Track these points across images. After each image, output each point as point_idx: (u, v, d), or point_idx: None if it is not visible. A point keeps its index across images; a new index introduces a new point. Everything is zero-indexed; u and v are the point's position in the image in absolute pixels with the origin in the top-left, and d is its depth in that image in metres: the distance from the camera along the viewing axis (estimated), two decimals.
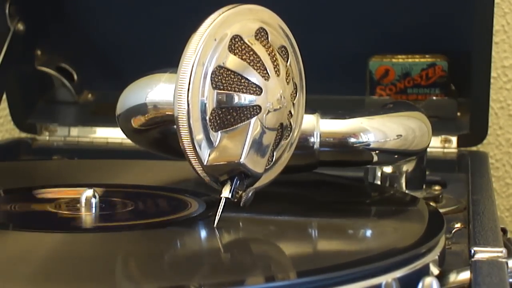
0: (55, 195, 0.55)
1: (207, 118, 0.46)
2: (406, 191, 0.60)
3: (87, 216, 0.51)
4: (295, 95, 0.50)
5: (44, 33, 0.82)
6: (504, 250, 0.47)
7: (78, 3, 0.81)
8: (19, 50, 0.79)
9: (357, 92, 0.77)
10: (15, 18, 0.78)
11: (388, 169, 0.61)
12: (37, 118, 0.82)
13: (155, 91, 0.51)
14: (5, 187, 0.58)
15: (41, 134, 0.82)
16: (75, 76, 0.83)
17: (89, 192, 0.52)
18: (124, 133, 0.55)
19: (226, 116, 0.47)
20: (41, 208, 0.52)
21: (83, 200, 0.52)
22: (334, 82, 0.77)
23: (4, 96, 0.80)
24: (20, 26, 0.78)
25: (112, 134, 0.79)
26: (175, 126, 0.46)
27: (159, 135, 0.52)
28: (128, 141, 0.56)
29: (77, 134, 0.81)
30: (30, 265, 0.42)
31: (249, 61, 0.47)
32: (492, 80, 0.77)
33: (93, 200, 0.52)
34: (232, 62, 0.47)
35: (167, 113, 0.50)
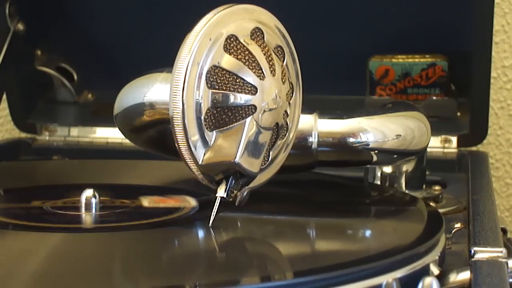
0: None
1: (202, 117, 0.46)
2: (406, 191, 0.60)
3: (87, 216, 0.51)
4: (291, 95, 0.50)
5: (44, 33, 0.82)
6: (504, 250, 0.46)
7: (78, 3, 0.81)
8: (19, 50, 0.79)
9: (357, 92, 0.77)
10: (15, 18, 0.78)
11: (388, 169, 0.61)
12: (37, 118, 0.82)
13: (152, 90, 0.51)
14: (5, 187, 0.58)
15: (41, 134, 0.82)
16: (75, 76, 0.83)
17: (89, 192, 0.52)
18: (122, 132, 0.55)
19: (221, 116, 0.47)
20: (41, 208, 0.52)
21: (83, 200, 0.52)
22: (334, 82, 0.77)
23: (4, 96, 0.80)
24: (20, 26, 0.79)
25: (112, 134, 0.79)
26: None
27: (156, 134, 0.52)
28: (128, 141, 0.56)
29: (77, 134, 0.81)
30: (30, 265, 0.42)
31: (244, 60, 0.47)
32: (492, 80, 0.77)
33: (93, 200, 0.52)
34: (227, 61, 0.47)
35: (163, 112, 0.50)
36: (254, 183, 0.49)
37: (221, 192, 0.48)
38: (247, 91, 0.47)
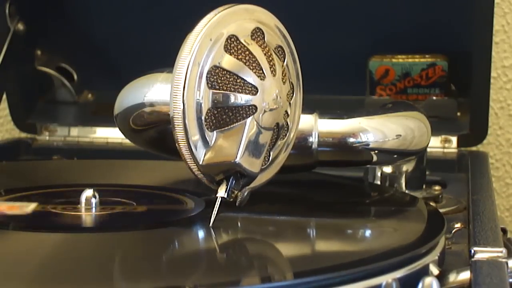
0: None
1: (203, 118, 0.46)
2: (406, 191, 0.60)
3: (87, 216, 0.51)
4: (291, 95, 0.50)
5: (44, 33, 0.82)
6: (504, 250, 0.46)
7: (78, 3, 0.81)
8: (19, 50, 0.79)
9: (357, 92, 0.77)
10: (15, 18, 0.78)
11: (388, 169, 0.61)
12: (37, 118, 0.82)
13: (152, 91, 0.51)
14: (5, 187, 0.58)
15: (41, 134, 0.82)
16: (75, 76, 0.83)
17: (89, 192, 0.52)
18: (122, 132, 0.55)
19: (222, 116, 0.47)
20: (41, 208, 0.52)
21: (83, 200, 0.52)
22: (334, 82, 0.77)
23: (4, 96, 0.80)
24: (20, 26, 0.79)
25: (112, 134, 0.79)
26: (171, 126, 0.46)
27: (156, 134, 0.53)
28: (128, 141, 0.56)
29: (77, 134, 0.81)
30: (30, 265, 0.42)
31: (245, 61, 0.47)
32: (492, 80, 0.77)
33: (93, 200, 0.52)
34: (228, 62, 0.47)
35: (164, 112, 0.50)
36: (255, 183, 0.49)
37: (221, 192, 0.48)
38: (247, 91, 0.47)
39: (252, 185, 0.49)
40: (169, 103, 0.46)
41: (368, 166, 0.62)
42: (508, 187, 0.86)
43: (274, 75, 0.48)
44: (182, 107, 0.46)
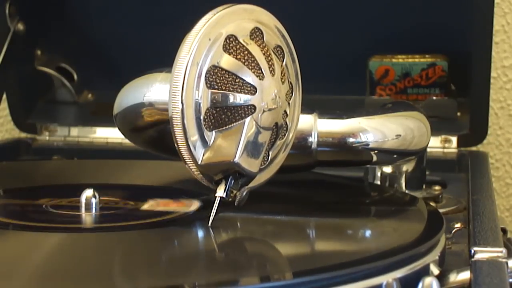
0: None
1: (202, 117, 0.46)
2: (406, 191, 0.60)
3: (87, 216, 0.51)
4: (290, 95, 0.50)
5: (44, 33, 0.82)
6: (504, 250, 0.46)
7: (78, 4, 0.81)
8: (19, 50, 0.79)
9: (357, 92, 0.77)
10: (15, 18, 0.78)
11: (388, 169, 0.61)
12: (37, 118, 0.82)
13: (151, 90, 0.51)
14: (5, 187, 0.58)
15: (41, 134, 0.82)
16: (75, 76, 0.83)
17: (89, 192, 0.52)
18: (121, 132, 0.55)
19: (221, 116, 0.47)
20: (40, 208, 0.52)
21: (83, 200, 0.52)
22: (334, 82, 0.77)
23: (4, 96, 0.80)
24: (20, 26, 0.79)
25: (112, 134, 0.79)
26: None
27: (156, 134, 0.53)
28: (128, 141, 0.56)
29: (77, 134, 0.81)
30: (30, 265, 0.42)
31: (243, 60, 0.47)
32: (492, 80, 0.77)
33: (93, 200, 0.52)
34: (227, 61, 0.47)
35: (163, 112, 0.50)
36: (254, 183, 0.49)
37: (220, 192, 0.48)
38: (246, 91, 0.47)
39: (251, 185, 0.49)
40: (168, 103, 0.46)
41: (368, 166, 0.62)
42: (508, 187, 0.86)
43: (273, 75, 0.48)
44: (180, 107, 0.46)
